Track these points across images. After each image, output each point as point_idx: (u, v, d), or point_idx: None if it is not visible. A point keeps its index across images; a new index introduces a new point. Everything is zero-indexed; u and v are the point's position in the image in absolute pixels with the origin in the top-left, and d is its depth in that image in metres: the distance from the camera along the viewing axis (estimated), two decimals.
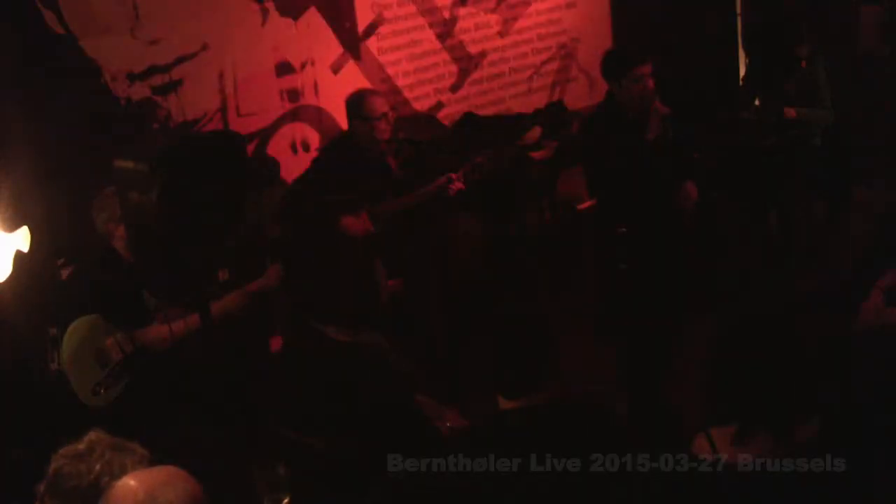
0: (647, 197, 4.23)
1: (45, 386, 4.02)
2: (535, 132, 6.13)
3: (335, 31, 5.68)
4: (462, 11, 6.24)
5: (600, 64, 4.41)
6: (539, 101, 6.66)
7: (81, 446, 2.40)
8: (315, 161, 5.34)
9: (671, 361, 4.55)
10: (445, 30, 6.20)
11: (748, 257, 5.56)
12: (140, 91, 4.96)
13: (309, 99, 5.62)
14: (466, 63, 6.33)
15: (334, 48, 5.70)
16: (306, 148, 5.64)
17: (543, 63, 6.71)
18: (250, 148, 5.29)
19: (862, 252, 4.56)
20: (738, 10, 6.68)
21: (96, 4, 4.77)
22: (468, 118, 6.26)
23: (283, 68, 5.49)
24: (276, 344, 5.11)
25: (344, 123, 5.44)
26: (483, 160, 5.39)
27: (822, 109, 5.57)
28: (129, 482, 2.18)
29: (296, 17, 5.50)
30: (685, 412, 4.49)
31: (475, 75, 6.38)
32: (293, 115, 5.57)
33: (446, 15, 6.19)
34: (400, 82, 6.03)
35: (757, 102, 5.72)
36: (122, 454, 2.40)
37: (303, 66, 5.56)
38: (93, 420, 3.80)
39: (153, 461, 2.44)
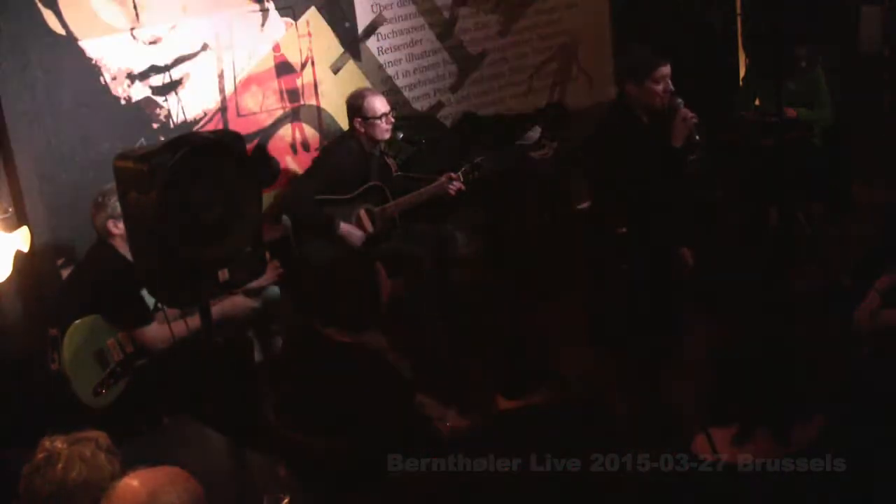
0: (656, 195, 4.23)
1: (45, 386, 4.02)
2: (535, 132, 6.13)
3: (335, 31, 5.69)
4: (462, 11, 6.25)
5: (617, 67, 4.42)
6: (539, 101, 6.66)
7: (40, 456, 2.43)
8: (315, 161, 5.34)
9: (671, 361, 4.55)
10: (445, 30, 6.20)
11: (748, 257, 5.56)
12: (140, 91, 4.96)
13: (309, 99, 5.62)
14: (466, 63, 6.33)
15: (334, 48, 5.70)
16: (306, 148, 5.64)
17: (543, 63, 6.71)
18: (250, 148, 5.29)
19: (862, 252, 4.55)
20: (738, 10, 6.68)
21: (96, 4, 4.77)
22: (468, 118, 6.26)
23: (283, 68, 5.49)
24: (276, 344, 5.11)
25: (344, 123, 5.45)
26: (483, 160, 5.39)
27: (822, 109, 5.57)
28: (132, 482, 2.19)
29: (296, 17, 5.50)
30: (685, 412, 4.50)
31: (475, 75, 6.38)
32: (293, 115, 5.57)
33: (446, 15, 6.19)
34: (400, 82, 6.04)
35: (757, 102, 5.72)
36: (80, 445, 2.44)
37: (303, 66, 5.57)
38: (91, 420, 3.83)
39: (113, 442, 2.47)
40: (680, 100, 4.23)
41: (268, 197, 5.26)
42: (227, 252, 3.22)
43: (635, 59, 4.45)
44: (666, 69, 4.28)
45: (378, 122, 5.06)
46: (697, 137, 4.23)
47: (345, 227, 5.02)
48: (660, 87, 4.24)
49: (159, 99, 5.03)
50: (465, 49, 6.31)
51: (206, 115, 5.21)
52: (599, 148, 4.42)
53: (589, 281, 5.28)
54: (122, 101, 4.92)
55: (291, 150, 5.60)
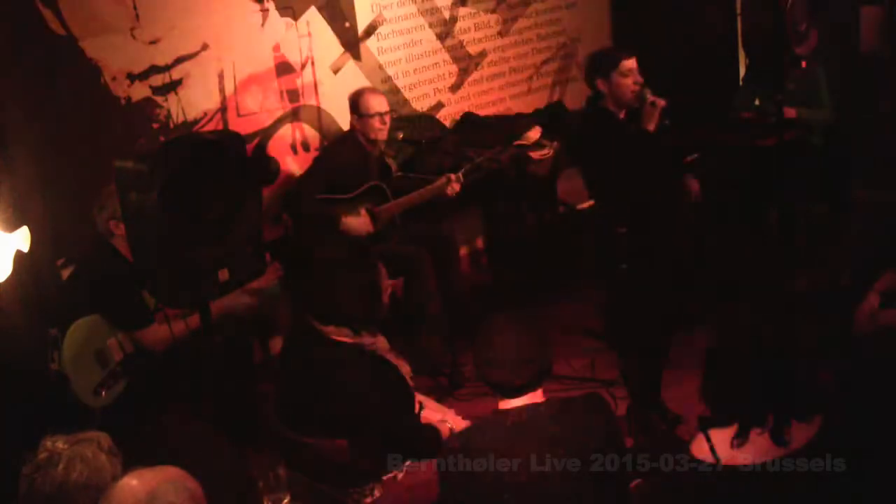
0: (649, 190, 4.26)
1: (45, 386, 4.02)
2: (535, 132, 6.13)
3: (335, 31, 5.69)
4: (462, 11, 6.25)
5: (585, 66, 4.49)
6: (539, 101, 6.67)
7: (41, 456, 2.43)
8: (316, 160, 5.34)
9: (671, 362, 4.55)
10: (445, 30, 6.20)
11: (748, 257, 5.56)
12: (140, 91, 4.96)
13: (309, 99, 5.62)
14: (466, 63, 6.33)
15: (334, 48, 5.70)
16: (306, 148, 5.64)
17: (543, 63, 6.72)
18: (250, 148, 5.29)
19: (862, 252, 4.56)
20: (738, 10, 6.68)
21: (96, 4, 4.76)
22: (468, 118, 6.26)
23: (283, 68, 5.49)
24: (276, 344, 5.11)
25: (344, 123, 5.45)
26: (483, 160, 5.39)
27: (822, 109, 5.57)
28: (131, 482, 2.19)
29: (296, 17, 5.50)
30: (685, 412, 4.50)
31: (475, 75, 6.38)
32: (293, 115, 5.57)
33: (446, 15, 6.19)
34: (400, 82, 6.04)
35: (757, 102, 5.72)
36: (81, 446, 2.44)
37: (303, 66, 5.57)
38: (91, 420, 3.83)
39: (114, 443, 2.47)
40: (647, 88, 4.33)
41: (268, 197, 5.26)
42: (227, 252, 3.22)
43: (601, 54, 4.54)
44: (631, 62, 4.36)
45: (371, 120, 5.06)
46: (667, 122, 4.31)
47: (347, 219, 5.01)
48: (628, 80, 4.32)
49: (159, 99, 5.03)
50: (465, 49, 6.31)
51: (206, 115, 5.21)
52: (585, 149, 4.47)
53: (589, 281, 5.29)
54: (122, 101, 4.92)
55: (291, 150, 5.60)
